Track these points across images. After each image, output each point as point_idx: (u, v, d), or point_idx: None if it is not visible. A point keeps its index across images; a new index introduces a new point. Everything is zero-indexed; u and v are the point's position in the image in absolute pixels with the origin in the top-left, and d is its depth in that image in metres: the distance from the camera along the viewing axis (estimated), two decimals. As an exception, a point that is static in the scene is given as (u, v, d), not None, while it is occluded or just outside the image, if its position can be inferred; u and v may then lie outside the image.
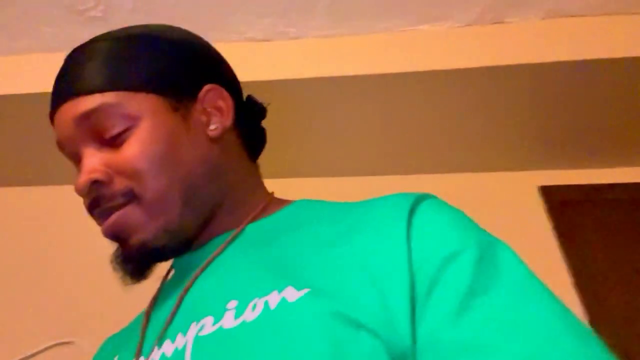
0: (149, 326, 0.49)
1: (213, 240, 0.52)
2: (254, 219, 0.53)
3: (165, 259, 0.51)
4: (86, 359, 1.06)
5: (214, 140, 0.52)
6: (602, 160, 1.14)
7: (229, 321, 0.41)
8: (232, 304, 0.43)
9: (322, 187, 1.20)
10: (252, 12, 0.98)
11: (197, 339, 0.41)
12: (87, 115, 0.49)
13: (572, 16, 0.96)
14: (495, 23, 0.97)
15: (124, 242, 0.49)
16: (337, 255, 0.42)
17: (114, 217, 0.49)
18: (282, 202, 0.56)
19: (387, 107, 1.01)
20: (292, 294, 0.40)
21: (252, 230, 0.52)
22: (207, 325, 0.42)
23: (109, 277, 1.04)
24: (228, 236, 0.51)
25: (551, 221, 1.11)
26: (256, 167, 0.59)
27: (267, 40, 1.02)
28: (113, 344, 0.58)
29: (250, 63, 0.99)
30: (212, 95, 0.53)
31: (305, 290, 0.40)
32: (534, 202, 1.15)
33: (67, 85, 0.51)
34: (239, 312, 0.41)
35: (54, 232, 1.19)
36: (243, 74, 0.98)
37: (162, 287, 0.56)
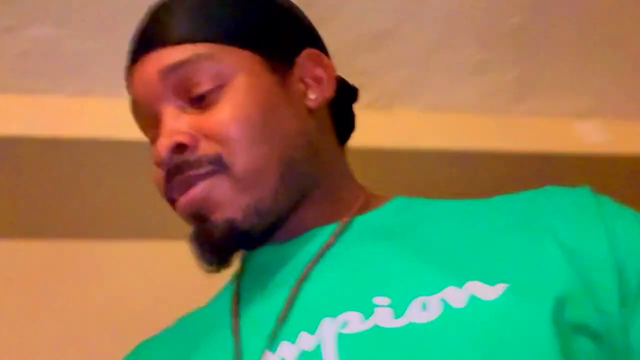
0: (242, 329, 0.41)
1: (311, 231, 0.44)
2: (359, 212, 0.46)
3: (250, 245, 0.44)
4: None
5: (311, 112, 0.46)
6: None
7: (386, 319, 0.35)
8: (382, 300, 0.36)
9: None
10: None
11: (343, 338, 0.35)
12: (174, 68, 0.42)
13: (447, 111, 1.09)
14: (383, 109, 1.07)
15: (205, 219, 0.41)
16: (521, 246, 0.37)
17: (199, 187, 0.41)
18: (380, 196, 0.49)
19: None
20: (483, 290, 0.34)
21: (363, 223, 0.45)
22: (354, 322, 0.35)
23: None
24: (332, 227, 0.44)
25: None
26: (345, 155, 0.52)
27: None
28: (157, 355, 0.48)
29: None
30: (312, 62, 0.46)
31: (502, 286, 0.34)
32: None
33: (152, 34, 0.45)
34: (399, 310, 0.35)
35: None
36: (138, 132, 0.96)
37: (240, 285, 0.46)
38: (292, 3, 0.50)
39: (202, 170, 0.41)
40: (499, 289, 0.34)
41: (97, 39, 0.94)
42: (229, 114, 0.42)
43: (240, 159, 0.41)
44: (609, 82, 1.08)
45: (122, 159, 0.98)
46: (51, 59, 0.95)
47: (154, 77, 0.43)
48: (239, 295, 0.45)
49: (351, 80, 1.06)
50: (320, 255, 0.42)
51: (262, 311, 0.42)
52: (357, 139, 1.03)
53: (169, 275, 1.07)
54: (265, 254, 0.46)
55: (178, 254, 1.08)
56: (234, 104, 0.42)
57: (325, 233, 0.44)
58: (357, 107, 1.03)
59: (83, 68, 0.97)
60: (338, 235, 0.44)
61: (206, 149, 0.41)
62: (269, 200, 0.42)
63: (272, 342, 0.38)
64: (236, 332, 0.41)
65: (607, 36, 1.02)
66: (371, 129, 1.03)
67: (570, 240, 0.37)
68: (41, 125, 0.95)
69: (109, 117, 0.97)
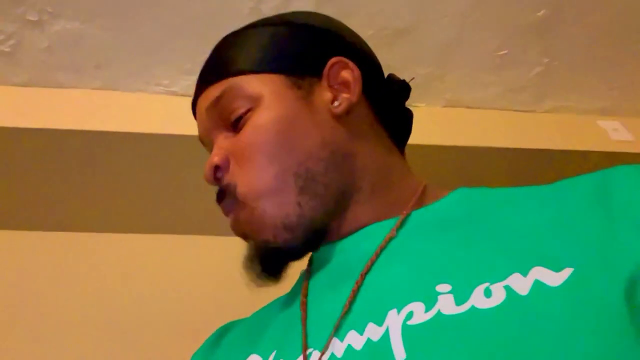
0: (309, 318, 0.44)
1: (370, 227, 0.47)
2: (416, 206, 0.48)
3: (298, 256, 0.48)
4: None
5: (338, 118, 0.49)
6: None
7: (449, 307, 0.35)
8: (444, 287, 0.37)
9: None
10: (177, 68, 0.99)
11: (408, 329, 0.36)
12: (214, 103, 0.49)
13: (469, 107, 1.08)
14: (403, 105, 1.06)
15: (253, 240, 0.47)
16: (586, 227, 0.36)
17: (231, 217, 0.48)
18: (440, 190, 0.51)
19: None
20: (548, 276, 0.34)
21: (422, 216, 0.47)
22: (418, 313, 0.36)
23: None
24: (392, 222, 0.46)
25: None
26: (400, 153, 0.55)
27: (188, 96, 1.03)
28: (237, 336, 0.53)
29: (169, 116, 0.99)
30: (336, 69, 0.50)
31: (568, 271, 0.34)
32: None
33: (200, 78, 0.53)
34: (462, 297, 0.35)
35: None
36: (159, 126, 0.97)
37: (310, 280, 0.49)
38: (318, 21, 0.54)
39: (228, 201, 0.48)
40: (565, 274, 0.34)
41: (121, 34, 0.95)
42: (248, 138, 0.47)
43: (252, 188, 0.46)
44: (635, 79, 1.06)
45: (147, 152, 0.99)
46: (76, 54, 0.97)
47: (204, 115, 0.51)
48: (307, 289, 0.48)
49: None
50: (383, 248, 0.44)
51: (328, 303, 0.43)
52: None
53: (178, 269, 1.08)
54: (327, 251, 0.49)
55: (198, 248, 1.10)
56: (254, 125, 0.47)
57: (385, 228, 0.46)
58: None
59: (107, 62, 0.98)
60: (399, 228, 0.45)
61: (231, 176, 0.48)
62: (295, 214, 0.45)
63: (338, 330, 0.39)
64: (304, 322, 0.43)
65: (635, 31, 1.00)
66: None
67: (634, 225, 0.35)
68: (65, 119, 0.97)
69: (133, 111, 0.99)
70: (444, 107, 1.08)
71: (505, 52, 1.01)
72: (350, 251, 0.47)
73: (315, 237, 0.47)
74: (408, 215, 0.47)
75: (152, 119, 0.98)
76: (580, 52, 1.02)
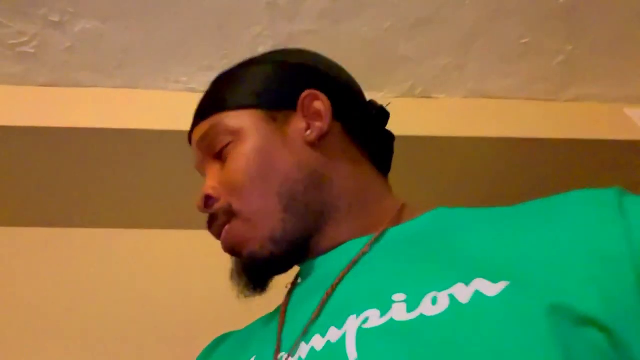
0: (286, 325, 0.49)
1: (347, 244, 0.52)
2: (392, 224, 0.52)
3: (281, 268, 0.54)
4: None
5: (312, 144, 0.54)
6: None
7: (400, 314, 0.39)
8: (399, 296, 0.41)
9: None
10: (196, 64, 1.00)
11: (362, 331, 0.39)
12: (202, 138, 0.57)
13: (490, 97, 1.06)
14: (423, 97, 1.05)
15: (239, 255, 0.53)
16: (530, 244, 0.39)
17: (223, 234, 0.54)
18: (419, 209, 0.54)
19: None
20: (486, 287, 0.37)
21: (395, 233, 0.51)
22: (373, 318, 0.40)
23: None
24: (366, 239, 0.51)
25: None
26: (380, 175, 0.59)
27: (207, 93, 1.03)
28: (229, 345, 0.59)
29: (189, 113, 1.00)
30: (308, 101, 0.56)
31: (504, 284, 0.37)
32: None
33: (194, 117, 0.61)
34: (412, 305, 0.39)
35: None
36: (180, 123, 0.98)
37: (292, 291, 0.55)
38: (295, 54, 0.61)
39: (220, 222, 0.54)
40: (501, 286, 0.37)
41: (140, 33, 0.96)
42: (233, 166, 0.53)
43: (245, 205, 0.52)
44: (663, 64, 1.03)
45: (167, 149, 1.00)
46: (97, 53, 0.98)
47: (195, 148, 0.59)
48: (289, 301, 0.54)
49: (390, 67, 1.05)
50: (355, 262, 0.48)
51: (302, 312, 0.48)
52: (398, 127, 1.02)
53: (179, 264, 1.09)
54: (309, 266, 0.54)
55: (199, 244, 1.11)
56: (237, 156, 0.53)
57: (360, 244, 0.51)
58: (396, 95, 1.02)
59: (127, 61, 0.99)
60: (372, 244, 0.50)
61: (222, 201, 0.54)
62: (279, 228, 0.51)
63: (306, 335, 0.44)
64: (280, 327, 0.49)
65: (662, 16, 0.97)
66: (411, 117, 1.02)
67: (587, 240, 0.38)
68: (88, 117, 0.98)
69: (153, 109, 1.00)
70: (465, 97, 1.06)
71: (527, 40, 0.99)
72: (327, 265, 0.52)
73: (296, 251, 0.52)
74: (382, 232, 0.51)
75: (172, 115, 0.99)
76: (605, 37, 0.99)
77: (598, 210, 0.39)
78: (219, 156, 0.55)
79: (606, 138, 1.01)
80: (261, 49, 0.96)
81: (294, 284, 0.57)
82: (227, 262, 0.57)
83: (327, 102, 0.56)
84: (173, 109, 1.00)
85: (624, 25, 0.98)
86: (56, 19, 0.93)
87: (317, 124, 0.55)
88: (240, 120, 0.55)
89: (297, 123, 0.55)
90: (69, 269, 1.10)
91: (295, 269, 0.58)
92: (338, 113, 0.56)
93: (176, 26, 0.95)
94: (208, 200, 0.54)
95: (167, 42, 0.97)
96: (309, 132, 0.55)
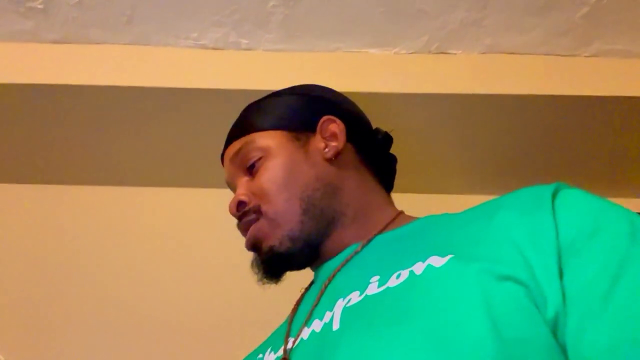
0: (295, 319, 0.61)
1: (344, 251, 0.62)
2: (381, 231, 0.62)
3: (293, 263, 0.64)
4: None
5: (329, 160, 0.66)
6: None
7: (372, 290, 0.50)
8: (375, 278, 0.51)
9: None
10: (206, 20, 0.98)
11: (345, 309, 0.50)
12: (236, 153, 0.67)
13: (509, 53, 1.03)
14: (439, 53, 1.02)
15: (259, 249, 0.64)
16: (477, 230, 0.49)
17: (250, 230, 0.64)
18: (410, 218, 0.65)
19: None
20: (437, 261, 0.47)
21: (385, 236, 0.61)
22: (354, 297, 0.51)
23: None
24: (357, 246, 0.61)
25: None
26: (382, 190, 0.70)
27: (218, 49, 1.01)
28: (257, 350, 0.68)
29: (199, 70, 0.98)
30: (326, 124, 0.68)
31: (449, 256, 0.47)
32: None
33: (227, 138, 0.71)
34: (383, 282, 0.50)
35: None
36: (190, 81, 0.97)
37: (304, 294, 0.67)
38: (315, 88, 0.74)
39: (250, 218, 0.64)
40: (447, 258, 0.47)
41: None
42: (264, 177, 0.64)
43: (271, 207, 0.63)
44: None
45: (177, 106, 0.99)
46: (106, 9, 0.96)
47: (228, 163, 0.70)
48: (302, 298, 0.66)
49: (405, 22, 1.02)
50: (348, 260, 0.60)
51: (308, 305, 0.59)
52: (412, 85, 1.00)
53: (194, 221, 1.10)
54: (318, 271, 0.65)
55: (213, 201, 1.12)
56: (267, 169, 0.64)
57: (350, 250, 0.61)
58: (411, 51, 1.02)
59: (137, 17, 0.98)
60: (364, 246, 0.61)
61: (253, 203, 0.64)
62: (298, 229, 0.62)
63: (309, 321, 0.55)
64: (291, 320, 0.61)
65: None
66: (426, 74, 1.00)
67: (516, 224, 0.46)
68: (98, 75, 0.97)
69: (163, 66, 0.99)
70: (482, 53, 1.03)
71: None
72: (330, 267, 0.62)
73: (309, 251, 0.63)
74: (375, 236, 0.62)
75: (182, 73, 0.98)
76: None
77: (534, 201, 0.47)
78: (250, 169, 0.65)
79: (629, 95, 0.98)
80: (271, 4, 0.94)
81: (307, 288, 0.68)
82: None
83: (342, 126, 0.67)
84: (183, 66, 0.99)
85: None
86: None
87: (333, 143, 0.66)
88: (270, 140, 0.65)
89: (317, 143, 0.66)
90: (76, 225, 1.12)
91: (310, 274, 0.68)
92: (350, 136, 0.68)
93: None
94: (240, 205, 0.64)
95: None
96: (326, 150, 0.66)
